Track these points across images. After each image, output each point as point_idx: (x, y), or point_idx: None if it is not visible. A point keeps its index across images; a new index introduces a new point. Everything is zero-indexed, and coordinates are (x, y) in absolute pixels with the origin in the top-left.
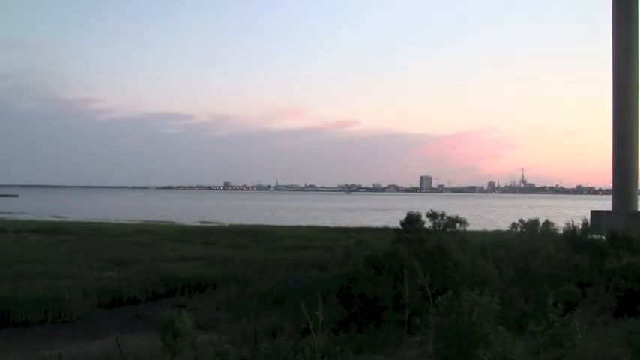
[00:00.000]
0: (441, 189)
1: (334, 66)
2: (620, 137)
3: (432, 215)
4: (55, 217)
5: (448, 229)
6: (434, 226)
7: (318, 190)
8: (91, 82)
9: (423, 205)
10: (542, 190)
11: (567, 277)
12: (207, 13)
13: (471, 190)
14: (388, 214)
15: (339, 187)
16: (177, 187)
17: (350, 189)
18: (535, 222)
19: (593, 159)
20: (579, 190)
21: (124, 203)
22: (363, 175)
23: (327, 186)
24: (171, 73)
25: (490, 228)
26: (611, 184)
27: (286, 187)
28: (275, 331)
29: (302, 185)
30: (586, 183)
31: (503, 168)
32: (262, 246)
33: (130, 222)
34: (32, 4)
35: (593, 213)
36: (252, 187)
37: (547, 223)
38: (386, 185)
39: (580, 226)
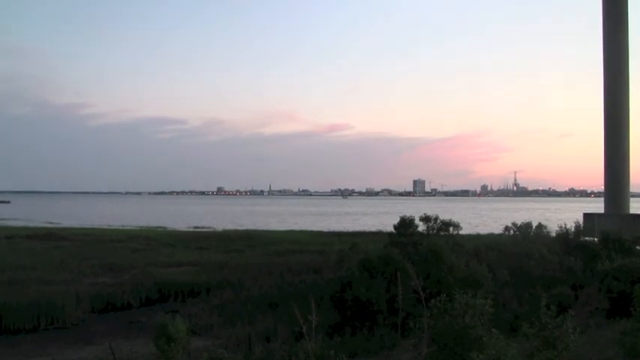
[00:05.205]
0: (434, 192)
1: (327, 70)
2: (612, 140)
3: (426, 219)
4: (48, 222)
5: (442, 233)
6: (427, 230)
7: (311, 195)
8: (81, 87)
9: (411, 209)
10: (535, 193)
11: (560, 280)
12: (200, 17)
13: (464, 193)
14: (379, 218)
15: (332, 191)
16: (171, 193)
17: (344, 193)
18: (528, 225)
19: (586, 161)
20: (572, 193)
21: (117, 209)
22: (356, 180)
23: (321, 190)
24: (164, 77)
25: (472, 233)
26: (603, 187)
27: (280, 191)
28: (269, 336)
29: (295, 190)
30: (578, 186)
31: (497, 171)
32: (256, 251)
33: (124, 227)
34: (20, 9)
35: (586, 215)
36: (246, 192)
37: (540, 226)
38: (379, 189)
39: (573, 229)
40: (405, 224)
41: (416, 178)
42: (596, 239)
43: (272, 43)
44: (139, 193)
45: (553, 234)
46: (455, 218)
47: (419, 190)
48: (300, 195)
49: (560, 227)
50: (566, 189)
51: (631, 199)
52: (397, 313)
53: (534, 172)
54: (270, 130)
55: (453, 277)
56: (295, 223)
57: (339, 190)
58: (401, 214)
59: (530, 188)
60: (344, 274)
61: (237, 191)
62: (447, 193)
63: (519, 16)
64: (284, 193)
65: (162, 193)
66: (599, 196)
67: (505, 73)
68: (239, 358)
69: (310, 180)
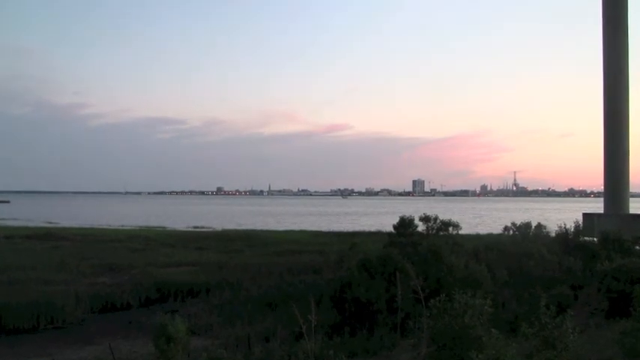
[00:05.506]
0: (433, 192)
1: (327, 70)
2: (612, 140)
3: (425, 219)
4: (47, 222)
5: (441, 233)
6: (427, 230)
7: (311, 195)
8: (81, 87)
9: (410, 209)
10: (535, 194)
11: (560, 280)
12: (201, 17)
13: (464, 193)
14: (378, 218)
15: (331, 191)
16: (170, 193)
17: (344, 193)
18: (527, 225)
19: (585, 161)
20: (571, 193)
21: (116, 209)
22: (355, 180)
23: (320, 190)
24: (163, 77)
25: (472, 233)
26: (603, 187)
27: (279, 191)
28: (268, 336)
29: (295, 190)
30: (578, 186)
31: (496, 171)
32: (255, 251)
33: (123, 227)
34: (20, 9)
35: (586, 215)
36: (245, 192)
37: (539, 226)
38: (379, 189)
39: (572, 229)
40: (405, 224)
41: (415, 178)
42: (595, 239)
43: (272, 43)
44: (138, 193)
45: (552, 234)
46: (454, 218)
47: (418, 190)
48: (299, 195)
49: (560, 227)
50: (566, 189)
51: (631, 199)
52: (396, 313)
53: (534, 172)
54: (269, 130)
55: (452, 277)
56: (294, 223)
57: (339, 190)
58: (400, 214)
59: (529, 188)
60: (343, 275)
61: (237, 191)
62: (446, 193)
63: (519, 16)
64: (284, 193)
65: (162, 192)
66: (598, 196)
67: (505, 73)
68: (238, 358)
69: (310, 180)
